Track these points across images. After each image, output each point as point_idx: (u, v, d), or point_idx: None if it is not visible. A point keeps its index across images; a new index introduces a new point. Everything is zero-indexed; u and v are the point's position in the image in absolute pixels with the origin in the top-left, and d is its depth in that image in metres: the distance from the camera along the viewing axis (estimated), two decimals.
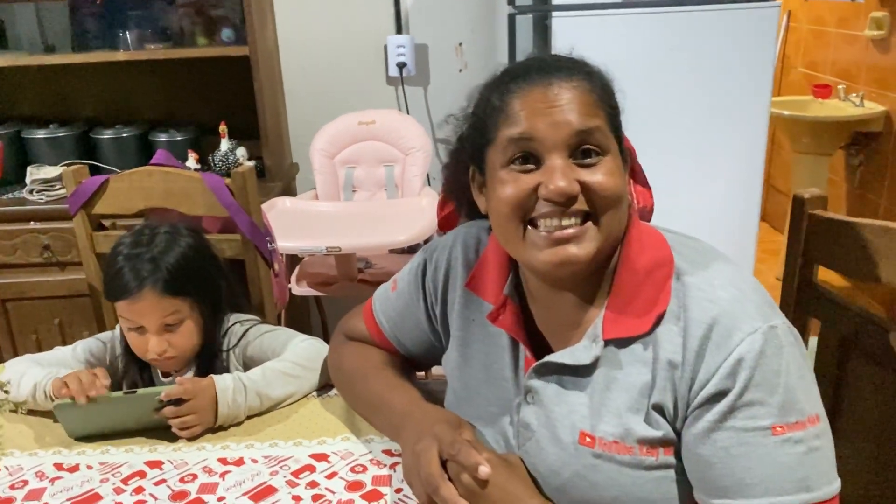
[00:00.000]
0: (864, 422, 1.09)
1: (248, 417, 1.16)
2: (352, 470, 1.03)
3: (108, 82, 2.65)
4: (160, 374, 1.31)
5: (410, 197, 2.43)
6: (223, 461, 1.06)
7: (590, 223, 0.80)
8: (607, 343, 0.83)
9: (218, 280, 1.31)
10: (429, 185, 2.53)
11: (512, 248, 0.85)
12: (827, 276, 1.15)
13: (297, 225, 2.16)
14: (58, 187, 2.33)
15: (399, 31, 2.62)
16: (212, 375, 1.15)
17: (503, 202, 0.82)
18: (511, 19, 2.16)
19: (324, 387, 1.24)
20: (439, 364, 1.06)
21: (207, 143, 2.55)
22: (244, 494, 0.99)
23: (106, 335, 1.36)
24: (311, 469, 1.04)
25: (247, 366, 1.28)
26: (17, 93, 2.68)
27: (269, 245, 1.54)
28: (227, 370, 1.28)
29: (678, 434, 0.80)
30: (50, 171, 2.35)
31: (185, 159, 2.42)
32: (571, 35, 2.05)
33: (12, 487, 1.02)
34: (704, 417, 0.77)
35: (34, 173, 2.36)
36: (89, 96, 2.68)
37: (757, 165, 2.29)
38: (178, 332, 1.23)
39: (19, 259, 2.30)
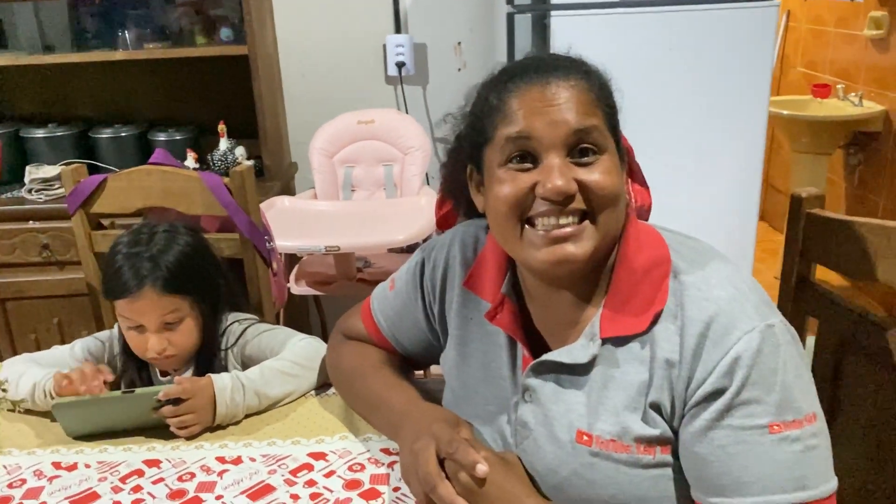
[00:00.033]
0: (862, 420, 1.09)
1: (247, 416, 1.16)
2: (350, 468, 1.03)
3: (107, 82, 2.65)
4: (158, 374, 1.31)
5: (409, 196, 2.43)
6: (221, 460, 1.06)
7: (587, 222, 0.80)
8: (605, 342, 0.83)
9: (217, 279, 1.32)
10: (428, 184, 2.53)
11: (509, 246, 0.86)
12: (826, 275, 1.15)
13: (296, 224, 2.16)
14: (56, 187, 2.33)
15: (398, 30, 2.62)
16: (210, 374, 1.15)
17: (501, 201, 0.82)
18: (510, 18, 2.16)
19: (322, 386, 1.24)
20: (437, 363, 1.06)
21: (206, 142, 2.56)
22: (242, 493, 0.99)
23: (104, 334, 1.36)
24: (310, 468, 1.04)
25: (245, 365, 1.28)
26: (15, 92, 2.68)
27: (267, 244, 1.54)
28: (225, 369, 1.28)
29: (675, 432, 0.80)
30: (49, 171, 2.35)
31: (184, 159, 2.42)
32: (570, 34, 2.06)
33: (10, 486, 1.02)
34: (701, 416, 0.77)
35: (33, 172, 2.36)
36: (88, 96, 2.68)
37: (756, 165, 2.29)
38: (177, 331, 1.23)
39: (18, 258, 2.30)
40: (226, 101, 2.55)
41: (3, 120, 2.64)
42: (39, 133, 2.54)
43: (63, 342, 1.35)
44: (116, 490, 1.00)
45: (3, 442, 1.13)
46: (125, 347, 1.29)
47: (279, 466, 1.04)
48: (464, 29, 2.65)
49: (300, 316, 2.71)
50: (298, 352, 1.24)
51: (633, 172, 1.00)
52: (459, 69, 2.68)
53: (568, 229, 0.79)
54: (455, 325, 0.99)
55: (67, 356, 1.29)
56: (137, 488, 1.01)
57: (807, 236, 1.14)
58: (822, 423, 0.77)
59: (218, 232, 1.57)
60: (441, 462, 0.84)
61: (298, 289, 2.32)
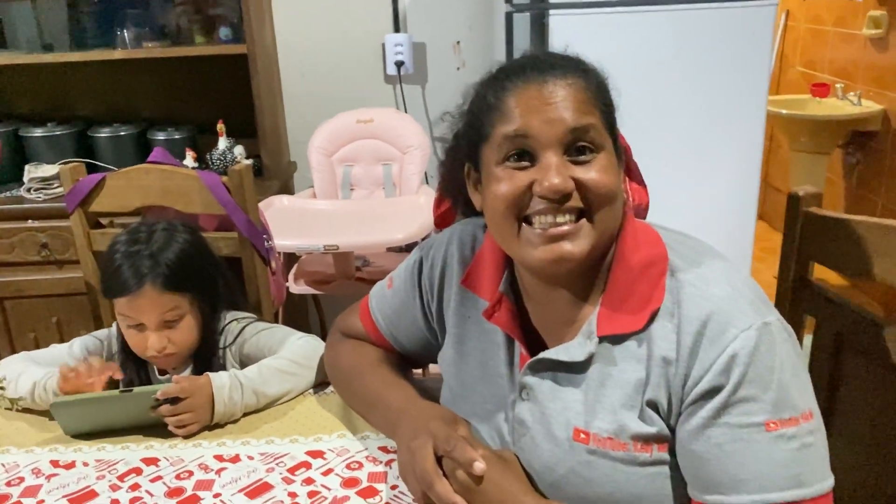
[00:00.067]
0: (859, 418, 1.09)
1: (245, 415, 1.16)
2: (347, 467, 1.03)
3: (106, 81, 2.65)
4: (157, 372, 1.31)
5: (408, 195, 2.43)
6: (219, 458, 1.06)
7: (584, 220, 0.81)
8: (602, 340, 0.83)
9: (216, 276, 1.32)
10: (426, 183, 2.53)
11: (507, 245, 0.86)
12: (825, 274, 1.15)
13: (295, 223, 2.16)
14: (55, 186, 2.33)
15: (397, 29, 2.62)
16: (208, 373, 1.15)
17: (498, 199, 0.82)
18: (508, 17, 2.16)
19: (320, 384, 1.24)
20: (435, 361, 1.06)
21: (205, 141, 2.55)
22: (240, 491, 0.99)
23: (102, 332, 1.36)
24: (307, 466, 1.04)
25: (243, 363, 1.28)
26: (14, 91, 2.68)
27: (265, 243, 1.54)
28: (223, 368, 1.28)
29: (672, 430, 0.81)
30: (48, 170, 2.35)
31: (183, 158, 2.42)
32: (568, 33, 2.06)
33: (9, 484, 1.02)
34: (698, 414, 0.77)
35: (32, 172, 2.36)
36: (87, 95, 2.68)
37: (754, 164, 2.29)
38: (177, 329, 1.23)
39: (17, 257, 2.30)
40: (225, 100, 2.55)
41: (2, 119, 2.64)
42: (38, 132, 2.54)
43: (62, 341, 1.35)
44: (114, 488, 1.01)
45: (2, 440, 1.13)
46: (124, 346, 1.29)
47: (277, 464, 1.04)
48: (463, 28, 2.65)
49: (299, 315, 2.71)
50: (296, 350, 1.24)
51: (630, 171, 1.00)
52: (458, 68, 2.68)
53: (565, 227, 0.80)
54: (453, 323, 0.99)
55: (66, 355, 1.29)
56: (135, 486, 1.01)
57: (804, 235, 1.14)
58: (819, 421, 0.78)
59: (216, 231, 1.57)
60: (439, 460, 0.84)
61: (297, 288, 2.32)
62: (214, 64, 2.45)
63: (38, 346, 1.32)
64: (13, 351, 2.33)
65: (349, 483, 0.99)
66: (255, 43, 2.32)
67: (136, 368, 1.30)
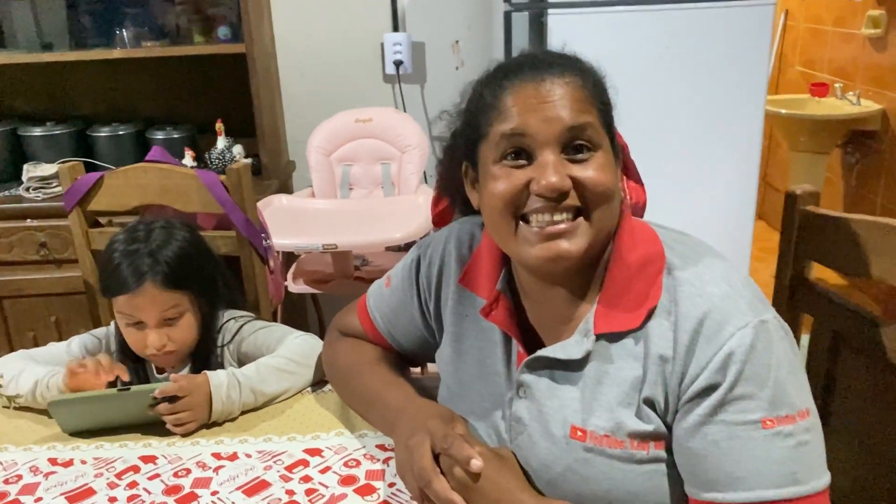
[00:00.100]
0: (856, 417, 1.09)
1: (243, 413, 1.17)
2: (345, 464, 1.03)
3: (105, 80, 2.65)
4: (155, 371, 1.31)
5: (407, 195, 2.43)
6: (217, 456, 1.06)
7: (581, 219, 0.81)
8: (599, 338, 0.83)
9: (214, 274, 1.32)
10: (425, 182, 2.53)
11: (504, 243, 0.86)
12: (823, 273, 1.15)
13: (294, 222, 2.16)
14: (54, 185, 2.33)
15: (396, 28, 2.62)
16: (206, 372, 1.15)
17: (495, 197, 0.82)
18: (507, 16, 2.17)
19: (318, 382, 1.24)
20: (433, 360, 1.06)
21: (204, 140, 2.56)
22: (238, 489, 0.99)
23: (100, 331, 1.36)
24: (305, 464, 1.04)
25: (241, 362, 1.28)
26: (13, 90, 2.68)
27: (264, 242, 1.54)
28: (221, 366, 1.28)
29: (669, 428, 0.81)
30: (46, 169, 2.35)
31: (182, 157, 2.42)
32: (567, 32, 2.06)
33: (6, 482, 1.02)
34: (695, 411, 0.77)
35: (31, 171, 2.36)
36: (86, 94, 2.68)
37: (752, 163, 2.29)
38: (177, 326, 1.23)
39: (16, 256, 2.30)
40: (223, 99, 2.56)
41: (0, 118, 2.64)
42: (37, 131, 2.54)
43: (61, 340, 1.35)
44: (112, 486, 1.01)
45: (0, 438, 1.13)
46: (122, 345, 1.29)
47: (275, 462, 1.04)
48: (461, 27, 2.65)
49: (298, 314, 2.71)
50: (294, 349, 1.24)
51: (627, 169, 1.00)
52: (457, 67, 2.68)
53: (562, 226, 0.80)
54: (450, 321, 0.99)
55: (64, 353, 1.29)
56: (133, 484, 1.01)
57: (802, 234, 1.14)
58: (815, 419, 0.78)
59: (215, 230, 1.57)
60: (436, 458, 0.84)
61: (296, 287, 2.32)
62: (213, 63, 2.45)
63: (36, 345, 1.32)
64: (12, 350, 2.33)
65: (347, 481, 0.99)
66: (253, 42, 2.32)
67: (134, 367, 1.30)
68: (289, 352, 1.23)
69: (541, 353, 0.86)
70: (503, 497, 0.82)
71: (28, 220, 2.28)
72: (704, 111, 2.22)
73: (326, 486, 0.99)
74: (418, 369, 1.60)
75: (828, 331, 1.13)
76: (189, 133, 2.57)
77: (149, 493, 0.99)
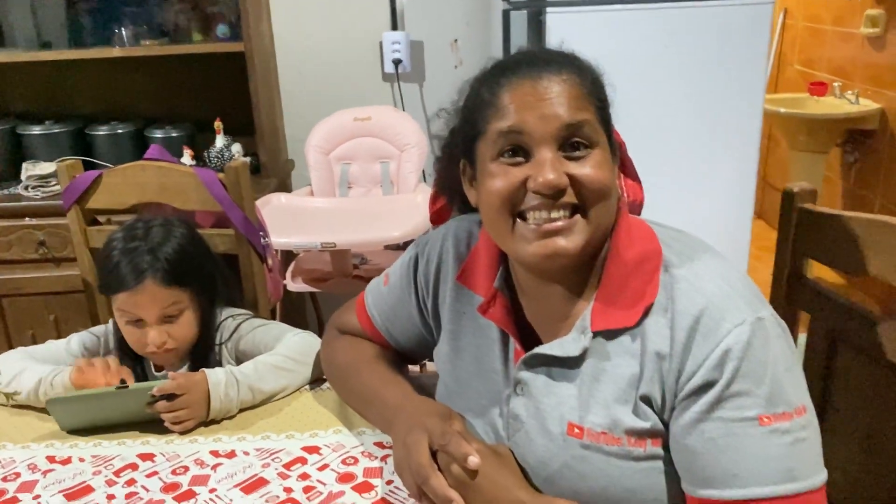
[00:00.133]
0: (853, 414, 1.09)
1: (241, 411, 1.17)
2: (343, 462, 1.03)
3: (104, 78, 2.65)
4: (153, 369, 1.31)
5: (406, 193, 2.43)
6: (215, 454, 1.06)
7: (578, 216, 0.81)
8: (596, 335, 0.83)
9: (213, 272, 1.32)
10: (424, 181, 2.53)
11: (501, 240, 0.86)
12: (821, 272, 1.15)
13: (293, 221, 2.17)
14: (53, 183, 2.33)
15: (394, 27, 2.62)
16: (204, 370, 1.16)
17: (493, 195, 0.82)
18: (505, 15, 2.17)
19: (316, 380, 1.24)
20: (431, 358, 1.06)
21: (203, 139, 2.56)
22: (236, 486, 0.99)
23: (99, 329, 1.36)
24: (303, 461, 1.04)
25: (239, 360, 1.28)
26: (12, 89, 2.68)
27: (262, 240, 1.54)
28: (219, 364, 1.28)
29: (666, 425, 0.81)
30: (45, 168, 2.35)
31: (181, 155, 2.42)
32: (565, 31, 2.06)
33: (4, 480, 1.02)
34: (692, 408, 0.77)
35: (29, 169, 2.36)
36: (85, 92, 2.68)
37: (751, 162, 2.30)
38: (177, 323, 1.23)
39: (15, 255, 2.30)
40: (222, 98, 2.55)
41: None
42: (36, 130, 2.54)
43: (59, 338, 1.35)
44: (110, 483, 1.01)
45: None
46: (120, 343, 1.29)
47: (273, 460, 1.04)
48: (460, 26, 2.65)
49: (296, 312, 2.72)
50: (292, 347, 1.24)
51: (625, 167, 1.00)
52: (456, 66, 2.68)
53: (559, 223, 0.80)
54: (448, 319, 0.99)
55: (63, 351, 1.29)
56: (131, 482, 1.01)
57: (799, 231, 1.15)
58: (812, 416, 0.78)
59: (213, 228, 1.57)
60: (434, 455, 0.84)
61: (295, 285, 2.32)
62: (212, 62, 2.45)
63: (35, 344, 1.32)
64: (10, 349, 2.33)
65: (345, 478, 1.00)
66: (252, 41, 2.32)
67: (132, 365, 1.30)
68: (287, 350, 1.23)
69: (538, 350, 0.87)
70: (500, 494, 0.82)
71: (27, 218, 2.28)
72: (703, 110, 2.22)
73: (324, 484, 0.99)
74: (417, 367, 1.60)
75: (825, 328, 1.13)
76: (188, 131, 2.57)
77: (147, 490, 0.99)
